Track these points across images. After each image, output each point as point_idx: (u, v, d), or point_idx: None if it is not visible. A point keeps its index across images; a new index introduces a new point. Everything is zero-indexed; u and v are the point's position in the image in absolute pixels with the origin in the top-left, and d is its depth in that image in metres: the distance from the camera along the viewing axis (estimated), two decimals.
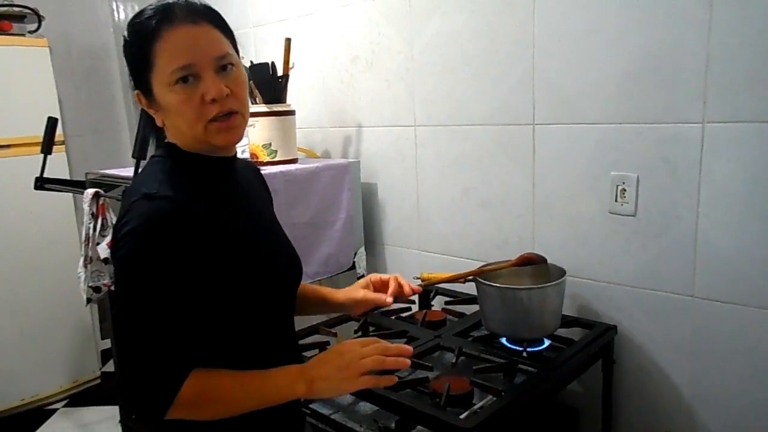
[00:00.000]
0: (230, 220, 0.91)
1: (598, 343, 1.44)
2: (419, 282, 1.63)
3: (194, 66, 0.83)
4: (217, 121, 0.85)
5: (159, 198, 0.82)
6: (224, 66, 0.86)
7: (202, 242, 0.84)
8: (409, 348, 0.90)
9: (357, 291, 1.10)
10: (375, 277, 1.11)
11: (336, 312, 1.17)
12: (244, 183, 1.01)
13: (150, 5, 0.86)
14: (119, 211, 0.88)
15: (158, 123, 0.91)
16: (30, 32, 2.74)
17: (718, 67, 1.27)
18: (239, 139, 0.93)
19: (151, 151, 0.99)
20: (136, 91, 0.90)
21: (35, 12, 2.72)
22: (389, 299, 1.03)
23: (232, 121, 0.87)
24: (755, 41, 1.22)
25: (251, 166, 1.13)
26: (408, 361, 0.88)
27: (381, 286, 1.10)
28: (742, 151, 1.27)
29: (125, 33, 0.88)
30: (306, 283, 1.17)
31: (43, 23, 2.75)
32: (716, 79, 1.27)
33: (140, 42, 0.85)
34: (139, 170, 1.45)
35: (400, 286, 1.08)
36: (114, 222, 1.44)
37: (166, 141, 0.93)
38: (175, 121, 0.87)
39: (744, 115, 1.25)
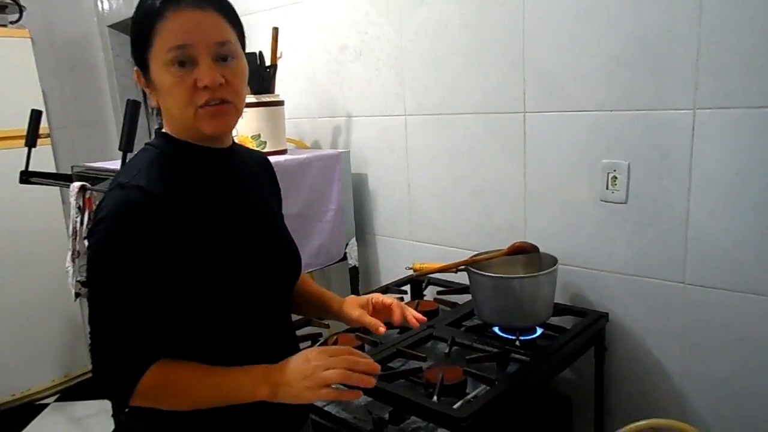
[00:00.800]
0: (217, 211, 0.89)
1: (590, 330, 1.44)
2: (411, 272, 1.64)
3: (191, 47, 0.82)
4: (207, 106, 0.84)
5: (131, 187, 0.82)
6: (224, 57, 0.85)
7: (177, 232, 0.83)
8: (377, 366, 0.87)
9: (354, 308, 1.06)
10: (377, 298, 1.06)
11: (331, 319, 1.16)
12: (245, 174, 0.99)
13: None
14: None
15: (152, 104, 0.90)
16: (11, 23, 2.69)
17: (709, 53, 1.26)
18: (229, 130, 0.92)
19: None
20: (136, 68, 0.89)
21: (16, 2, 2.67)
22: (382, 329, 0.99)
23: (223, 108, 0.86)
24: (746, 27, 1.21)
25: (259, 159, 1.11)
26: (373, 381, 0.85)
27: (381, 310, 1.05)
28: (733, 137, 1.27)
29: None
30: (312, 282, 1.16)
31: (24, 13, 2.70)
32: (707, 65, 1.27)
33: (143, 19, 0.84)
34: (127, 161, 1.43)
35: (403, 314, 1.04)
36: None
37: (161, 130, 0.93)
38: (167, 103, 0.86)
39: (735, 101, 1.25)
